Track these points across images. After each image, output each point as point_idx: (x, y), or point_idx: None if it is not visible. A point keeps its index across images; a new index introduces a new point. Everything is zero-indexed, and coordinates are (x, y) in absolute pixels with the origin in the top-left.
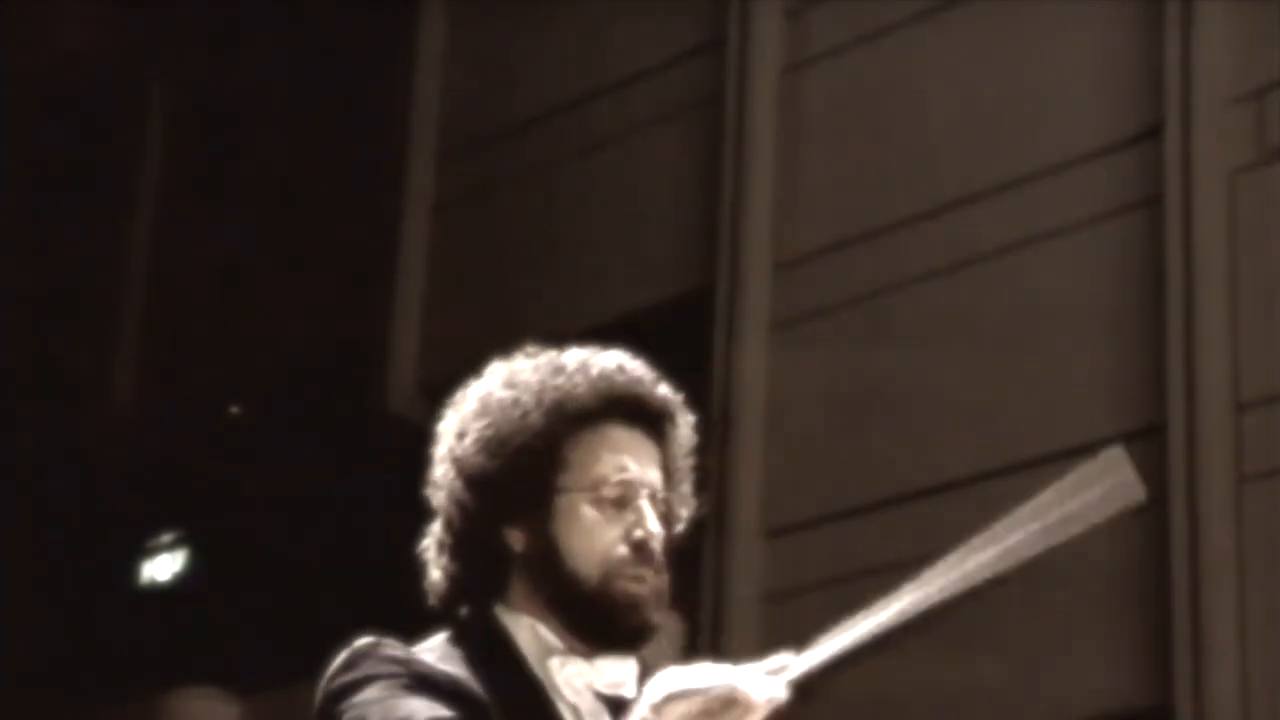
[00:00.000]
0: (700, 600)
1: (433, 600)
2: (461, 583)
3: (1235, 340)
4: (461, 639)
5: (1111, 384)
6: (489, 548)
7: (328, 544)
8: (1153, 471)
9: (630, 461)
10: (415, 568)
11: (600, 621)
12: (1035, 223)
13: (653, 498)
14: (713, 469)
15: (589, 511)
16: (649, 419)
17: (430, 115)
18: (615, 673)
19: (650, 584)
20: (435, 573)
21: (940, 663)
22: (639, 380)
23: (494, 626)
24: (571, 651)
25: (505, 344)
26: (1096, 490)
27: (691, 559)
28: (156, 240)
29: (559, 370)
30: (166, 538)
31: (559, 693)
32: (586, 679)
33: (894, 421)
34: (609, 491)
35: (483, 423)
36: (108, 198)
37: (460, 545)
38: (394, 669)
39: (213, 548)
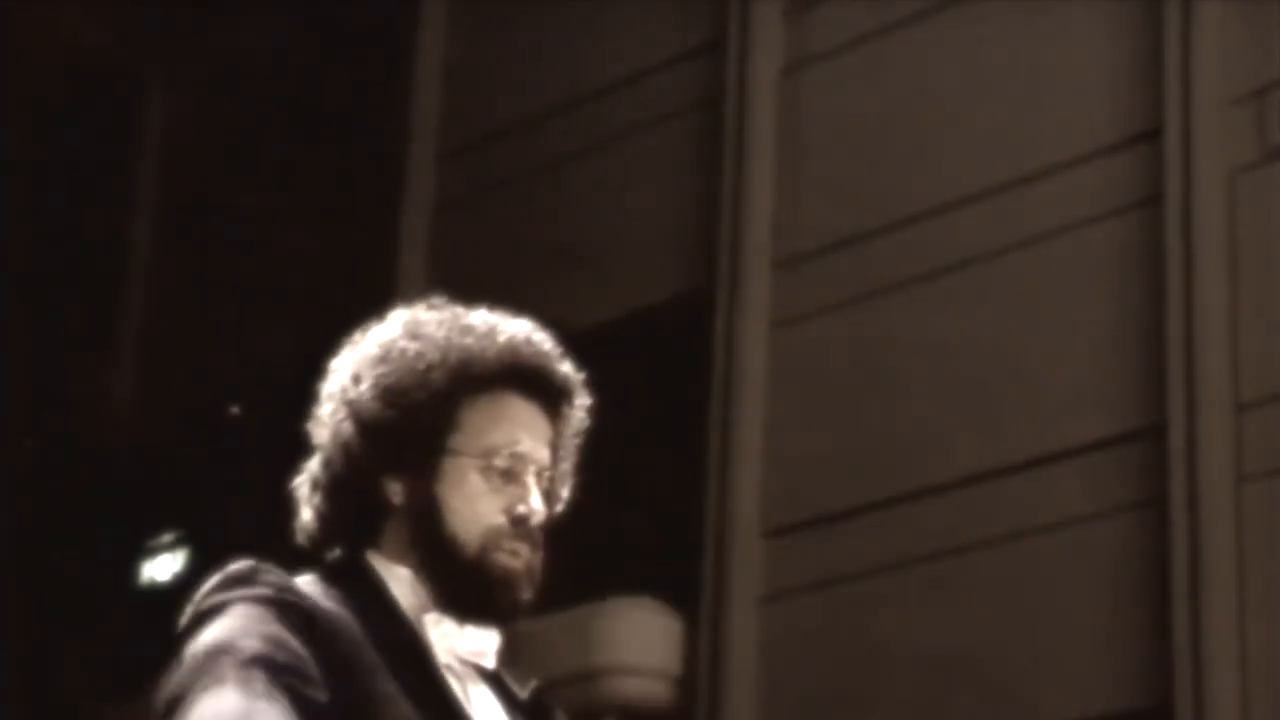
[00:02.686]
0: (700, 600)
1: (301, 539)
2: (334, 525)
3: (1235, 340)
4: (333, 580)
5: (1111, 384)
6: (367, 495)
7: None
8: (1153, 471)
9: (524, 435)
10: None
11: (473, 592)
12: (1035, 223)
13: (539, 474)
14: (713, 468)
15: (475, 479)
16: (547, 394)
17: (430, 115)
18: (480, 641)
19: (524, 560)
20: (307, 512)
21: (940, 662)
22: (544, 354)
23: (368, 573)
24: (442, 612)
25: None
26: None
27: (691, 559)
28: (156, 240)
29: (466, 330)
30: (166, 538)
31: (432, 648)
32: (452, 642)
33: (893, 421)
34: (499, 462)
35: (381, 370)
36: (108, 198)
37: (337, 488)
38: (265, 593)
39: (213, 548)
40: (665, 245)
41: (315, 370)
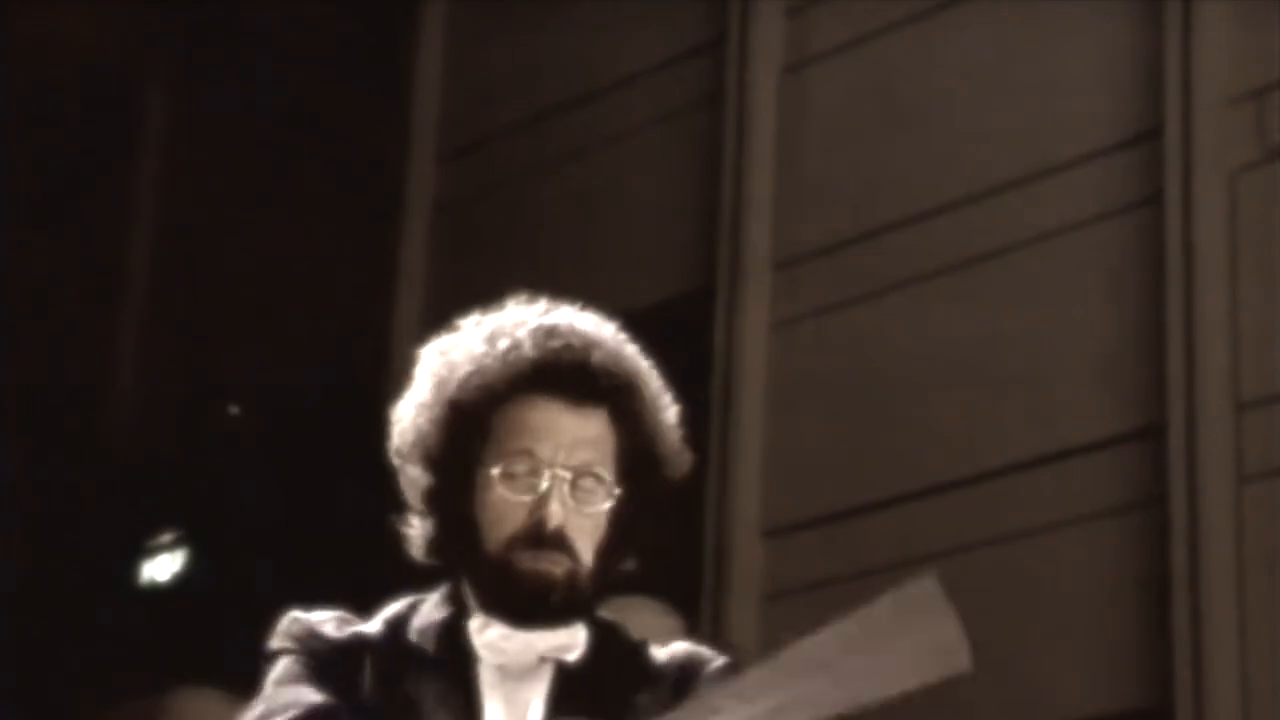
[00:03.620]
0: (700, 600)
1: (416, 555)
2: (420, 544)
3: (1235, 340)
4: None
5: (1111, 384)
6: (427, 510)
7: (328, 544)
8: (1153, 471)
9: (542, 439)
10: (415, 566)
11: (501, 598)
12: (1035, 223)
13: (579, 476)
14: (713, 468)
15: (499, 488)
16: (576, 389)
17: (430, 115)
18: (524, 642)
19: (548, 565)
20: (410, 530)
21: None
22: (564, 350)
23: (457, 584)
24: (486, 616)
25: None
26: (910, 643)
27: (692, 559)
28: (156, 240)
29: (488, 339)
30: (166, 538)
31: (476, 656)
32: (499, 644)
33: (894, 421)
34: (518, 469)
35: (419, 396)
36: (107, 198)
37: (408, 506)
38: (294, 645)
39: (213, 548)
40: (665, 245)
41: (315, 370)
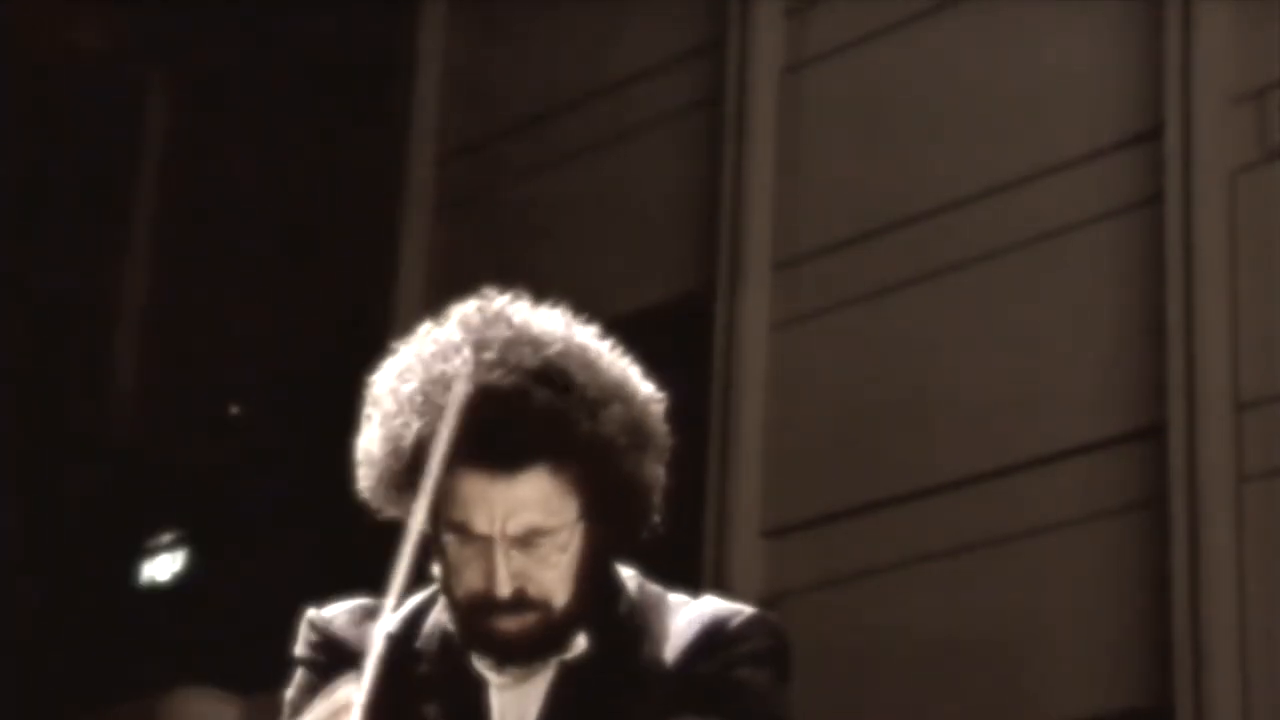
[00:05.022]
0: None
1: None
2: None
3: (1235, 340)
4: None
5: (1111, 384)
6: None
7: (328, 544)
8: (1153, 471)
9: (477, 513)
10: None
11: (472, 645)
12: (1035, 223)
13: (518, 539)
14: (713, 469)
15: (452, 545)
16: (510, 456)
17: (430, 116)
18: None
19: (509, 625)
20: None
21: (940, 661)
22: (487, 412)
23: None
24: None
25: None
26: None
27: (692, 559)
28: (156, 240)
29: (425, 380)
30: (166, 538)
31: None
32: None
33: (894, 422)
34: (462, 535)
35: (372, 440)
36: (107, 198)
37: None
38: (309, 656)
39: (213, 548)
40: (665, 245)
41: (315, 370)
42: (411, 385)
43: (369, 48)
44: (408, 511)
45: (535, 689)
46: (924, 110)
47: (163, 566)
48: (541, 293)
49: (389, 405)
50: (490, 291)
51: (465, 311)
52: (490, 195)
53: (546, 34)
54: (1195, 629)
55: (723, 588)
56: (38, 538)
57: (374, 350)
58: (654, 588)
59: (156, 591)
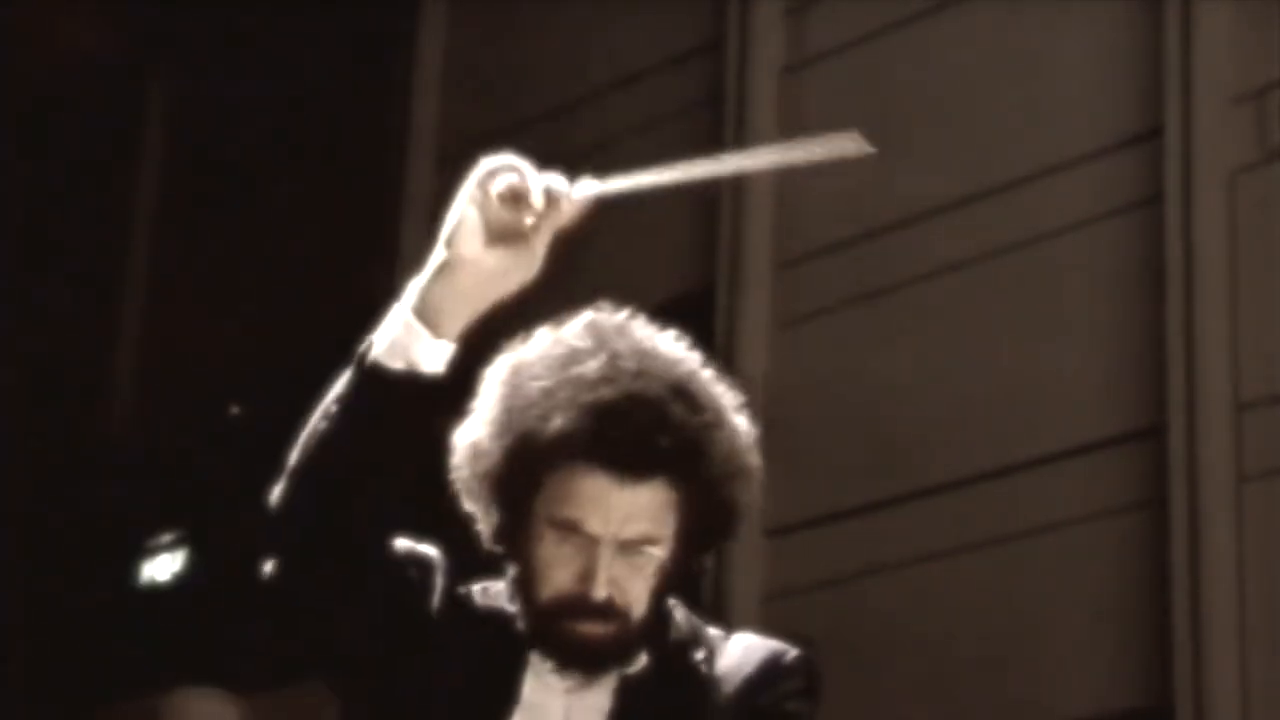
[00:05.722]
0: (700, 600)
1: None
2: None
3: (1235, 340)
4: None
5: (1111, 384)
6: (499, 536)
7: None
8: (1153, 471)
9: (590, 512)
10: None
11: (545, 649)
12: (1035, 223)
13: (626, 545)
14: None
15: (549, 542)
16: (636, 463)
17: (430, 116)
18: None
19: (592, 629)
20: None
21: (940, 661)
22: (620, 418)
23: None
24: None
25: (505, 344)
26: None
27: None
28: (156, 240)
29: (558, 380)
30: (166, 538)
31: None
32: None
33: (894, 421)
34: (568, 531)
35: (485, 414)
36: (107, 198)
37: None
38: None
39: (213, 548)
40: (665, 245)
41: (315, 370)
42: (543, 383)
43: (369, 47)
44: (492, 507)
45: (596, 699)
46: (923, 110)
47: (163, 566)
48: (541, 292)
49: (516, 401)
50: (604, 305)
51: (590, 319)
52: None
53: (546, 34)
54: (1195, 629)
55: (724, 586)
56: (38, 538)
57: None
58: (694, 616)
59: (156, 591)
